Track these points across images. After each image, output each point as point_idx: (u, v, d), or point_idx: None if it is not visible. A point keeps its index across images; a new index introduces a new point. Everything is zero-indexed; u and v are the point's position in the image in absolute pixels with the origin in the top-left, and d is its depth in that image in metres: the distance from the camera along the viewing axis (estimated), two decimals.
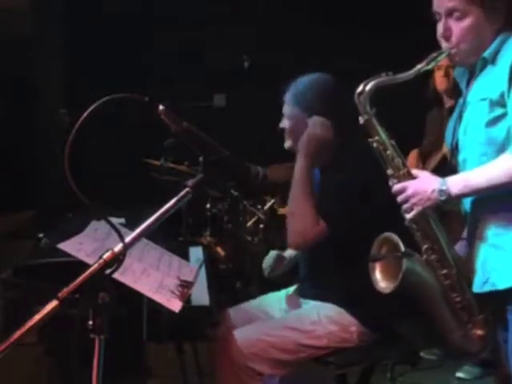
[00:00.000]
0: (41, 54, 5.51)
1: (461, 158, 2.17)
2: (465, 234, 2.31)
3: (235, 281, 4.50)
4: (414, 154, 4.61)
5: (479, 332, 2.14)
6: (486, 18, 2.08)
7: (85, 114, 1.51)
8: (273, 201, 4.45)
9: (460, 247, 2.27)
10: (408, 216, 2.11)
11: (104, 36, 5.33)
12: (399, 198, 2.11)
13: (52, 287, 1.50)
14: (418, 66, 2.13)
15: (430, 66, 2.14)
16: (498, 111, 2.04)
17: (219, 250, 4.43)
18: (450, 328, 2.16)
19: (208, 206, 4.54)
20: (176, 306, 2.08)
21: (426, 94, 4.40)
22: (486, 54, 2.10)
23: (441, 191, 2.04)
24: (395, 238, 2.16)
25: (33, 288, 2.26)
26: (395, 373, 3.47)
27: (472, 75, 2.20)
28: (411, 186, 2.09)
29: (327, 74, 2.79)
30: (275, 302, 2.92)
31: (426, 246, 2.14)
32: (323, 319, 2.67)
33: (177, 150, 4.11)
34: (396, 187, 2.12)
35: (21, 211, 3.81)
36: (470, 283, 2.15)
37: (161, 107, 1.63)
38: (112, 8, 5.32)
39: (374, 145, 2.18)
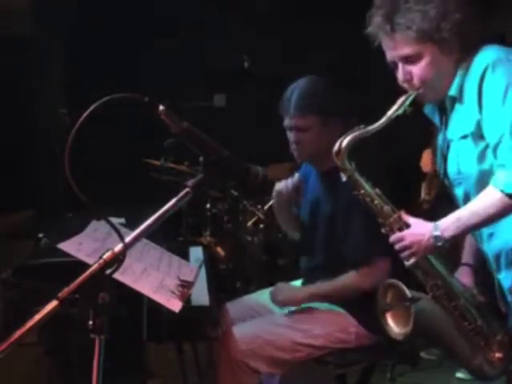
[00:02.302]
0: (41, 54, 5.51)
1: (460, 192, 2.17)
2: (465, 258, 2.33)
3: (235, 281, 4.50)
4: (428, 153, 4.61)
5: (498, 354, 2.16)
6: (441, 51, 2.07)
7: (85, 114, 1.51)
8: (273, 201, 4.45)
9: (461, 274, 2.29)
10: (407, 263, 2.13)
11: (104, 36, 5.33)
12: (397, 247, 2.13)
13: (52, 287, 1.50)
14: (389, 113, 2.13)
15: (400, 111, 2.12)
16: (482, 144, 2.04)
17: (219, 250, 4.43)
18: (470, 356, 2.18)
19: (208, 205, 4.54)
20: (176, 305, 2.07)
21: None
22: (452, 92, 2.09)
23: (436, 237, 2.05)
24: (399, 284, 2.19)
25: (33, 288, 2.26)
26: (395, 373, 3.46)
27: (442, 111, 2.19)
28: (407, 237, 2.11)
29: (314, 75, 2.75)
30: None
31: (430, 284, 2.16)
32: (322, 319, 2.67)
33: (177, 150, 4.11)
34: (392, 238, 2.14)
35: (21, 211, 3.81)
36: (479, 308, 2.17)
37: (161, 107, 1.63)
38: (112, 8, 5.32)
39: (360, 197, 2.20)
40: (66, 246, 2.15)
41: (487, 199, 1.99)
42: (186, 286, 2.22)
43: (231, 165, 1.69)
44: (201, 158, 1.67)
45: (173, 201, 1.62)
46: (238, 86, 5.02)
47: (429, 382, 3.97)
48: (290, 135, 2.73)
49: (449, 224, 2.05)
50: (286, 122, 2.71)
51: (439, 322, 2.17)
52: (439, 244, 2.05)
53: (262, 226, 4.43)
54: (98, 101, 1.53)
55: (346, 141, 2.16)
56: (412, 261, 2.11)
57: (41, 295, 1.59)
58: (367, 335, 2.65)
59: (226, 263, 4.45)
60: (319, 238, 2.79)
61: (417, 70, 2.08)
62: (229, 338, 2.60)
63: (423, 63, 2.07)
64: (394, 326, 2.24)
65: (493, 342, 2.15)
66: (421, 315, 2.15)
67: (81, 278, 1.48)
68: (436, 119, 2.25)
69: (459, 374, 4.03)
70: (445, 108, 2.16)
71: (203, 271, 2.69)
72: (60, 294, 1.45)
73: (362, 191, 2.19)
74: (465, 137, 2.07)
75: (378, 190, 2.19)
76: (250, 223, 4.48)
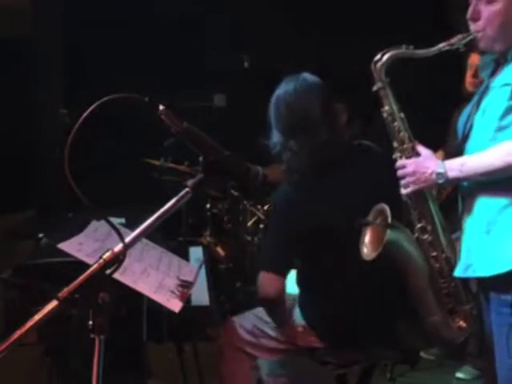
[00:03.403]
0: (41, 54, 5.51)
1: (473, 140, 2.15)
2: None
3: (235, 281, 4.50)
4: (440, 154, 4.53)
5: (460, 323, 2.15)
6: None
7: (85, 114, 1.51)
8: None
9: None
10: (404, 192, 2.13)
11: (104, 36, 5.33)
12: (398, 173, 2.14)
13: (52, 287, 1.50)
14: (440, 45, 2.14)
15: (453, 47, 2.13)
16: None
17: (219, 249, 4.43)
18: (430, 311, 2.17)
19: (208, 205, 4.54)
20: (176, 305, 2.08)
21: (460, 92, 4.29)
22: None
23: (439, 174, 2.06)
24: (386, 209, 2.19)
25: (33, 288, 2.26)
26: (395, 373, 3.46)
27: (498, 66, 2.18)
28: (411, 165, 2.12)
29: (289, 82, 2.70)
30: None
31: (419, 225, 2.16)
32: None
33: (177, 150, 4.11)
34: (398, 163, 2.15)
35: (21, 211, 3.81)
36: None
37: (161, 107, 1.63)
38: (112, 8, 5.32)
39: (384, 114, 2.20)
40: (66, 246, 2.15)
41: (499, 152, 1.99)
42: (186, 286, 2.22)
43: (231, 165, 1.69)
44: (201, 158, 1.67)
45: (173, 201, 1.62)
46: (238, 85, 5.02)
47: (429, 382, 3.97)
48: None
49: (455, 165, 2.06)
50: None
51: (413, 263, 2.17)
52: (440, 181, 2.06)
53: (261, 225, 4.43)
54: (98, 101, 1.53)
55: (389, 53, 2.17)
56: (409, 190, 2.11)
57: (41, 295, 1.59)
58: (314, 337, 2.65)
59: (225, 263, 4.45)
60: None
61: (486, 12, 2.08)
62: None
63: (495, 7, 2.06)
64: (367, 246, 2.25)
65: (460, 310, 2.15)
66: (394, 247, 2.15)
67: (81, 278, 1.48)
68: (488, 70, 2.23)
69: (459, 374, 4.03)
70: (506, 60, 2.13)
71: (203, 271, 2.69)
72: (60, 294, 1.45)
73: (387, 107, 2.20)
74: (507, 85, 2.05)
75: (402, 115, 2.20)
76: (250, 223, 4.49)
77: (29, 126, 5.31)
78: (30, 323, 1.45)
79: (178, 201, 1.62)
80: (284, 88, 2.69)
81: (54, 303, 1.45)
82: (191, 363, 2.99)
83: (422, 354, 3.99)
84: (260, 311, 2.75)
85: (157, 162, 4.27)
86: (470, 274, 2.07)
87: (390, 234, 2.15)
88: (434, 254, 2.15)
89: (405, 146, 2.17)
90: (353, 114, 5.00)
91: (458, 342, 2.18)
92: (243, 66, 5.08)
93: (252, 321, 2.72)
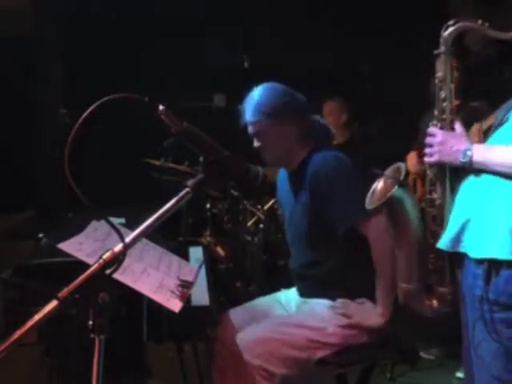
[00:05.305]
0: (41, 54, 5.51)
1: (506, 126, 2.13)
2: None
3: (235, 281, 4.50)
4: (412, 156, 4.56)
5: (434, 302, 2.16)
6: None
7: (84, 114, 1.51)
8: (273, 201, 4.45)
9: None
10: (427, 159, 2.15)
11: (104, 36, 5.33)
12: (427, 140, 2.15)
13: (52, 287, 1.50)
14: None
15: None
16: None
17: (219, 249, 4.43)
18: (408, 278, 2.19)
19: (208, 205, 4.55)
20: (176, 305, 2.08)
21: (428, 92, 4.31)
22: None
23: (465, 153, 2.06)
24: (404, 169, 2.21)
25: (33, 288, 2.26)
26: (395, 373, 3.47)
27: None
28: (441, 136, 2.13)
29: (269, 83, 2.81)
30: (275, 302, 2.92)
31: (429, 197, 2.17)
32: (334, 316, 2.66)
33: (177, 150, 4.11)
34: (430, 130, 2.17)
35: (21, 211, 3.82)
36: (450, 255, 2.13)
37: (161, 107, 1.63)
38: (112, 8, 5.32)
39: (435, 81, 2.20)
40: (66, 246, 2.15)
41: None
42: (186, 285, 2.22)
43: (231, 165, 1.69)
44: (201, 158, 1.67)
45: (173, 201, 1.62)
46: (238, 86, 5.03)
47: (429, 382, 3.97)
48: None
49: (480, 150, 2.06)
50: (248, 129, 2.80)
51: (409, 227, 2.17)
52: (463, 160, 2.06)
53: (261, 225, 4.43)
54: (98, 101, 1.53)
55: (463, 22, 2.16)
56: (432, 159, 2.13)
57: (41, 295, 1.59)
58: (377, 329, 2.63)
59: (226, 263, 4.45)
60: (301, 234, 2.80)
61: None
62: (236, 345, 2.59)
63: None
64: (373, 196, 2.26)
65: (437, 290, 2.16)
66: (397, 205, 2.16)
67: (81, 278, 1.48)
68: None
69: (459, 374, 4.03)
70: None
71: (203, 271, 2.69)
72: (60, 294, 1.45)
73: (441, 73, 2.19)
74: None
75: (452, 86, 2.19)
76: (250, 223, 4.48)
77: (29, 125, 5.31)
78: (30, 323, 1.45)
79: (178, 201, 1.62)
80: (265, 88, 2.79)
81: (54, 303, 1.45)
82: (191, 363, 2.99)
83: (421, 354, 4.00)
84: (301, 318, 2.69)
85: (157, 162, 4.27)
86: (459, 249, 2.05)
87: (397, 191, 2.15)
88: (433, 228, 2.16)
89: (444, 116, 2.17)
90: (352, 116, 5.02)
91: (425, 317, 2.19)
92: (243, 65, 5.08)
93: (290, 331, 2.61)
